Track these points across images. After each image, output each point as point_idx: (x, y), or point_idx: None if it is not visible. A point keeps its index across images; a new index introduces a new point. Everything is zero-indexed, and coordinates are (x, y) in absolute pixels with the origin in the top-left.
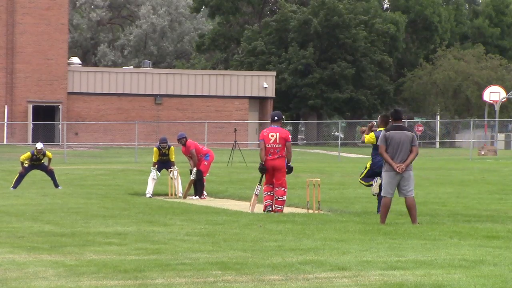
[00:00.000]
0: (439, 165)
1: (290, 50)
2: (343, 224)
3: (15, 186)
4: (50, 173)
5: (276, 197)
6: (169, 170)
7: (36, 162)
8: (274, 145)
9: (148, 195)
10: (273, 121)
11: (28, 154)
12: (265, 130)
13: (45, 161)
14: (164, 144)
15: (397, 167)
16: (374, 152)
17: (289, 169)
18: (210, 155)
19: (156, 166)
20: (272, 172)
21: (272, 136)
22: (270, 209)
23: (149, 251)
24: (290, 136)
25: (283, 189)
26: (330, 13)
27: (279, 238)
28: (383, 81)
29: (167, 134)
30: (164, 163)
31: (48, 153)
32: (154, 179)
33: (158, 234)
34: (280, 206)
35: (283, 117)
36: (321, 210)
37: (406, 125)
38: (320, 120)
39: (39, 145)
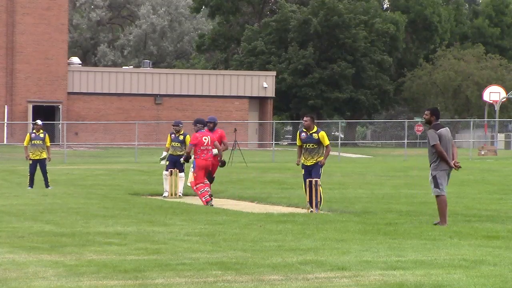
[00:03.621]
0: None
1: (290, 50)
2: (343, 224)
3: (31, 185)
4: (43, 171)
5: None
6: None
7: (37, 141)
8: (208, 147)
9: (165, 193)
10: (205, 125)
11: (28, 136)
12: (197, 134)
13: (44, 154)
14: (177, 127)
15: (456, 163)
16: None
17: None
18: None
19: (168, 153)
20: (206, 171)
21: (205, 139)
22: (212, 203)
23: (149, 251)
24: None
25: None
26: (330, 13)
27: (279, 238)
28: (383, 81)
29: (167, 134)
30: (174, 160)
31: (47, 138)
32: (166, 177)
33: (158, 234)
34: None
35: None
36: (320, 210)
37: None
38: (320, 120)
39: (39, 121)
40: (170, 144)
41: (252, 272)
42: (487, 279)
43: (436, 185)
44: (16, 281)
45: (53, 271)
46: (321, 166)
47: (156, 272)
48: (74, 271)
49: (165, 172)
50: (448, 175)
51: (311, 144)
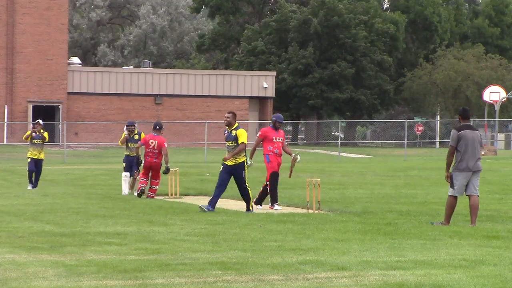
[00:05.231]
0: (439, 165)
1: (290, 50)
2: (343, 224)
3: (31, 185)
4: (38, 172)
5: (151, 186)
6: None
7: (37, 140)
8: (153, 150)
9: (124, 192)
10: (155, 129)
11: (29, 132)
12: (147, 136)
13: (42, 155)
14: (131, 127)
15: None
16: None
17: (167, 170)
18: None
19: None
20: (149, 170)
21: (152, 142)
22: (143, 190)
23: (149, 251)
24: (165, 143)
25: (157, 183)
26: (330, 13)
27: (279, 238)
28: (383, 81)
29: (168, 134)
30: (130, 161)
31: (46, 135)
32: (125, 178)
33: (158, 234)
34: (152, 193)
35: (162, 127)
36: (321, 210)
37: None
38: (320, 120)
39: (41, 121)
40: (126, 143)
41: (252, 272)
42: (487, 279)
43: (451, 185)
44: (16, 281)
45: (53, 271)
46: (243, 170)
47: (156, 272)
48: (74, 271)
49: (124, 173)
50: (469, 177)
51: (229, 142)
